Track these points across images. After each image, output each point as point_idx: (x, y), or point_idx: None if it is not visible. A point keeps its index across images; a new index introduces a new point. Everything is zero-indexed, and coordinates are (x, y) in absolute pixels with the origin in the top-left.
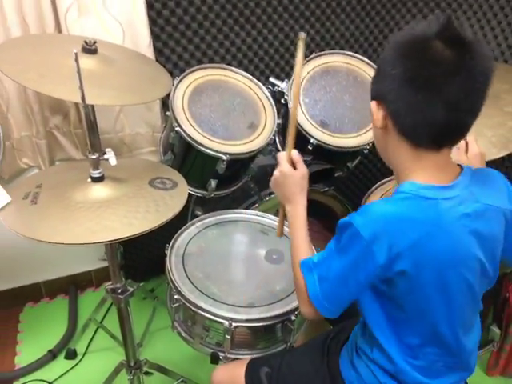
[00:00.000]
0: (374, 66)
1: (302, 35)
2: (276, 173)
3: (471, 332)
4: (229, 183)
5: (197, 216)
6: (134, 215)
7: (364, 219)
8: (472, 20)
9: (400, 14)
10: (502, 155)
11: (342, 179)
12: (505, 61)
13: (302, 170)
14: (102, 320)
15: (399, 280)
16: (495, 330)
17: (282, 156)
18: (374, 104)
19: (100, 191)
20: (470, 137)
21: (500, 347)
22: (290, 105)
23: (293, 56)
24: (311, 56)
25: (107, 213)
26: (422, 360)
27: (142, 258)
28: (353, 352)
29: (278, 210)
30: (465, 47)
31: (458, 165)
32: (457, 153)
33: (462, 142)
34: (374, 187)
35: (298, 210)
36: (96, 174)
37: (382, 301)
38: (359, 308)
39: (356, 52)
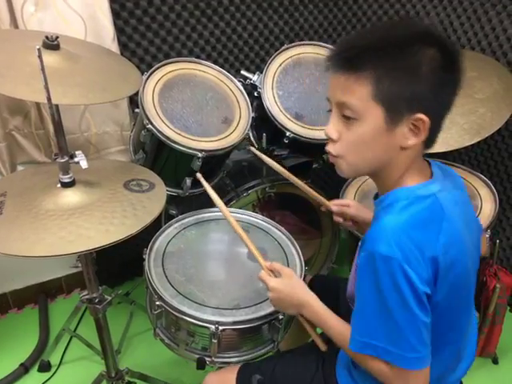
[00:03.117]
0: None
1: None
2: (269, 295)
3: (472, 323)
4: (205, 180)
5: (172, 215)
6: (110, 221)
7: (384, 241)
8: (438, 8)
9: (367, 3)
10: (474, 141)
11: (318, 171)
12: (472, 48)
13: (286, 272)
14: (76, 329)
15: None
16: (474, 313)
17: (263, 275)
18: (423, 116)
19: (72, 197)
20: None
21: (479, 330)
22: (264, 96)
23: (262, 48)
24: (282, 48)
25: (81, 220)
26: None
27: (114, 262)
28: (349, 361)
29: (254, 205)
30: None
31: (426, 160)
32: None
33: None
34: (350, 179)
35: (313, 307)
36: (66, 178)
37: None
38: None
39: (325, 42)
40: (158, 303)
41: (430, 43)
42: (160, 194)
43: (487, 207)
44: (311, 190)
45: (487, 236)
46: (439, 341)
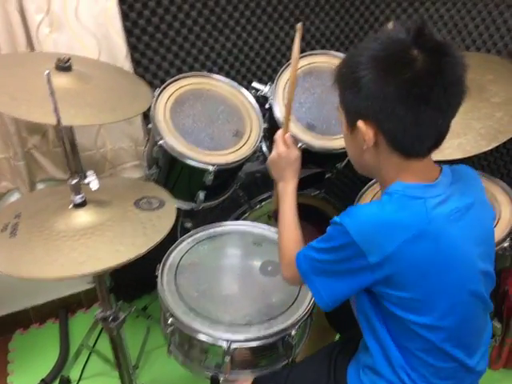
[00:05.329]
0: None
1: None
2: (273, 153)
3: (482, 336)
4: (217, 194)
5: (187, 228)
6: (120, 241)
7: (353, 221)
8: (452, 11)
9: (379, 9)
10: (491, 147)
11: (332, 180)
12: (487, 50)
13: (296, 153)
14: (95, 344)
15: (394, 279)
16: (496, 324)
17: (280, 138)
18: (361, 123)
19: (83, 217)
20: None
21: (501, 341)
22: (275, 108)
23: (274, 58)
24: None
25: (92, 240)
26: (428, 368)
27: (132, 276)
28: (359, 369)
29: (270, 216)
30: (442, 53)
31: (438, 164)
32: None
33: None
34: (364, 188)
35: (288, 188)
36: (78, 199)
37: (382, 312)
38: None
39: (337, 50)
40: (170, 321)
41: (372, 64)
42: (170, 211)
43: (506, 213)
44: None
45: (506, 245)
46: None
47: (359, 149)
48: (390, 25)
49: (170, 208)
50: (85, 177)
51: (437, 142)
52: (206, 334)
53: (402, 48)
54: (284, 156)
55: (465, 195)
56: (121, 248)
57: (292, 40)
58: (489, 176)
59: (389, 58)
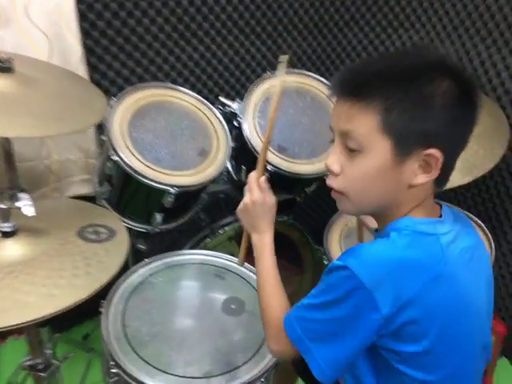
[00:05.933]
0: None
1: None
2: (246, 200)
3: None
4: (177, 216)
5: (139, 250)
6: (55, 282)
7: (362, 263)
8: (425, 40)
9: (352, 32)
10: (466, 181)
11: (300, 204)
12: (481, 86)
13: (272, 199)
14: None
15: (408, 330)
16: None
17: (254, 182)
18: (437, 153)
19: (11, 250)
20: None
21: None
22: (244, 127)
23: (243, 73)
24: (263, 76)
25: (20, 281)
26: None
27: None
28: None
29: (231, 237)
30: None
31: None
32: None
33: None
34: (335, 215)
35: (265, 240)
36: (6, 227)
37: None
38: None
39: (309, 70)
40: (114, 371)
41: (444, 74)
42: (121, 244)
43: None
44: None
45: None
46: None
47: (400, 183)
48: None
49: (122, 239)
50: (17, 198)
51: None
52: None
53: (465, 74)
54: (259, 203)
55: (469, 234)
56: (55, 291)
57: (263, 56)
58: (462, 211)
59: (462, 79)
